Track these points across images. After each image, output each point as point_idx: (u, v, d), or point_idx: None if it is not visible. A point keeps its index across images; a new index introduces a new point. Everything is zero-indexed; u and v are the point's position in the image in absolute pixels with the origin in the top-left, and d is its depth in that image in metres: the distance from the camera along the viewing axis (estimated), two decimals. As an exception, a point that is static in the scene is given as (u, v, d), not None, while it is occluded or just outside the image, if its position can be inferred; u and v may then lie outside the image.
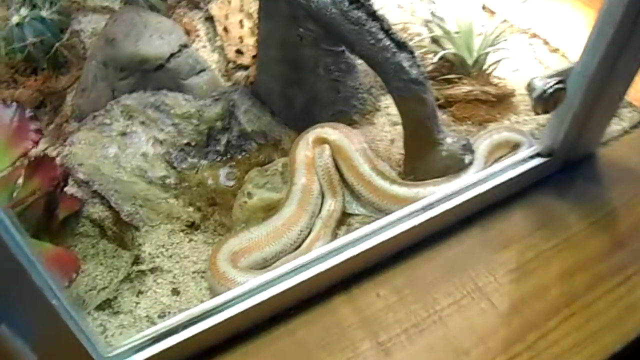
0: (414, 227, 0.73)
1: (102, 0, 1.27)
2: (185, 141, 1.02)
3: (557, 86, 0.68)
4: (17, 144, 0.74)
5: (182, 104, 1.05)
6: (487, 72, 0.99)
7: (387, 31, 0.71)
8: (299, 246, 0.81)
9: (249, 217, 0.87)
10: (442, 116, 0.97)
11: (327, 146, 0.88)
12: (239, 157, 1.05)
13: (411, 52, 0.73)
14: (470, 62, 0.96)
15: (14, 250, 0.41)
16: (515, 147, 0.88)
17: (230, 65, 1.17)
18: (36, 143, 0.75)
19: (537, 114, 0.70)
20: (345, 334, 0.67)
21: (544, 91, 0.68)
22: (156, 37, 1.06)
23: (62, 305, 0.48)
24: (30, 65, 1.12)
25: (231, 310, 0.65)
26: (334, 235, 0.84)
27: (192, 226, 0.91)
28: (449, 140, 0.82)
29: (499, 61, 0.97)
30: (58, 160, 0.98)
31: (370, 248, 0.71)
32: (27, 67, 1.12)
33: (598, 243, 0.75)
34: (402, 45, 0.72)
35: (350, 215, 0.88)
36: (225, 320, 0.64)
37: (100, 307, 0.75)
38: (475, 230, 0.77)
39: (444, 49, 0.96)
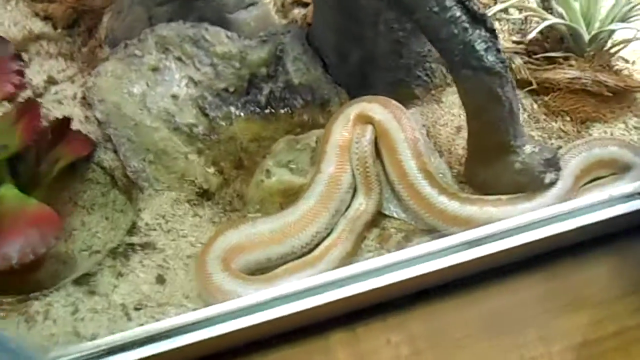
0: (452, 266, 0.55)
1: None
2: (222, 85, 0.88)
3: None
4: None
5: (224, 42, 0.89)
6: (609, 53, 0.73)
7: (460, -5, 0.50)
8: (313, 249, 0.67)
9: (264, 199, 0.74)
10: (533, 106, 0.74)
11: (370, 128, 0.70)
12: (281, 112, 0.89)
13: (490, 30, 0.51)
14: (586, 37, 0.71)
15: None
16: (622, 169, 0.64)
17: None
18: (18, 87, 0.64)
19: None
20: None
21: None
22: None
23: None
24: (66, -23, 1.00)
25: (200, 333, 0.53)
26: (360, 241, 0.68)
27: (204, 195, 0.79)
28: (527, 149, 0.61)
29: (628, 41, 0.71)
30: (80, 93, 0.90)
31: (389, 284, 0.55)
32: (62, -22, 1.00)
33: None
34: (478, 19, 0.51)
35: (386, 216, 0.71)
36: (192, 344, 0.53)
37: (78, 282, 0.66)
38: (535, 278, 0.58)
39: (555, 15, 0.71)
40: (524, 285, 0.58)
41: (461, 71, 0.54)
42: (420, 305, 0.58)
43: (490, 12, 0.72)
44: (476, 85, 0.54)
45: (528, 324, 0.56)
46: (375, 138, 0.70)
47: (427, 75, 0.77)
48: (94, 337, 0.61)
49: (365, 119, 0.71)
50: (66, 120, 0.77)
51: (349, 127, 0.71)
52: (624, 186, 0.58)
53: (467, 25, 0.51)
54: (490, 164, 0.64)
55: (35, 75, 0.89)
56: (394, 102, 0.71)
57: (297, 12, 0.98)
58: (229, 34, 0.89)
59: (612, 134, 0.72)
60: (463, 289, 0.58)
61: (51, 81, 0.91)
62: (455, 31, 0.51)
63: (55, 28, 0.98)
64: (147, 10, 0.92)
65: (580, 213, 0.58)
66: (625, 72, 0.74)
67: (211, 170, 0.82)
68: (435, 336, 0.56)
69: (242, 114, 0.88)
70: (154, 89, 0.86)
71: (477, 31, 0.51)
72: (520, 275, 0.59)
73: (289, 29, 0.89)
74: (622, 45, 0.71)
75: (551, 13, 0.75)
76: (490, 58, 0.52)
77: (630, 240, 0.60)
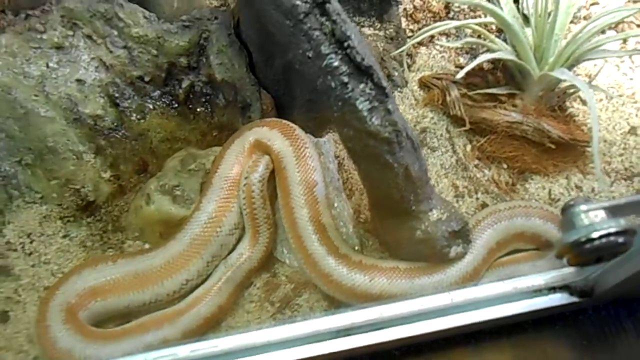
0: (322, 355, 0.46)
1: None
2: (137, 73, 0.77)
3: (615, 239, 0.34)
4: None
5: (140, 23, 0.77)
6: (560, 95, 0.61)
7: (340, 41, 0.38)
8: (183, 298, 0.58)
9: (144, 228, 0.64)
10: (466, 147, 0.63)
11: (264, 161, 0.60)
12: (200, 109, 0.79)
13: (378, 86, 0.40)
14: (536, 74, 0.59)
15: None
16: (543, 245, 0.54)
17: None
18: None
19: (565, 262, 0.38)
20: None
21: (590, 240, 0.35)
22: None
23: None
24: None
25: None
26: (241, 291, 0.59)
27: (86, 208, 0.69)
28: (434, 215, 0.51)
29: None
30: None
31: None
32: None
33: None
34: (362, 71, 0.39)
35: (278, 260, 0.62)
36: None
37: None
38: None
39: (508, 45, 0.59)
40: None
41: (342, 129, 0.43)
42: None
43: (433, 30, 0.60)
44: (361, 148, 0.44)
45: None
46: (273, 171, 0.60)
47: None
48: None
49: (263, 148, 0.61)
50: None
51: (243, 157, 0.60)
52: (535, 278, 0.48)
53: (346, 78, 0.39)
54: (390, 227, 0.54)
55: None
56: (298, 130, 0.60)
57: (227, -5, 0.85)
58: (147, 14, 0.77)
59: (550, 192, 0.61)
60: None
61: None
62: (333, 84, 0.40)
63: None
64: (55, -24, 0.80)
65: (482, 305, 0.48)
66: (580, 117, 0.63)
67: (107, 175, 0.72)
68: None
69: (157, 107, 0.78)
70: (55, 71, 0.75)
71: (361, 86, 0.40)
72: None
73: (216, 15, 0.77)
74: (574, 90, 0.60)
75: (503, 37, 0.62)
76: (374, 121, 0.41)
77: (533, 335, 0.51)
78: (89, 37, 0.76)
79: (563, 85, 0.62)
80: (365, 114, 0.40)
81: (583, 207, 0.35)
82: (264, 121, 0.63)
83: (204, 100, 0.78)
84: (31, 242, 0.64)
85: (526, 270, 0.53)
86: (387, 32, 0.69)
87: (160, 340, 0.53)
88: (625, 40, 0.66)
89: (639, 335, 0.51)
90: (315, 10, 0.37)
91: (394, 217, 0.52)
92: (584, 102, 0.64)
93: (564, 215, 0.36)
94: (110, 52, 0.76)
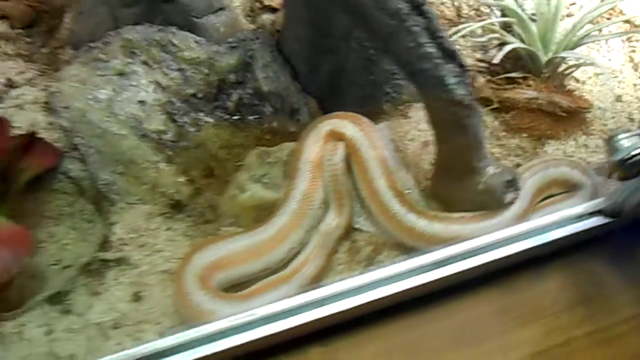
0: (420, 285, 0.59)
1: None
2: (191, 91, 0.87)
3: (650, 154, 0.49)
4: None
5: (192, 47, 0.88)
6: (563, 74, 0.78)
7: (433, 33, 0.52)
8: (287, 265, 0.69)
9: (238, 214, 0.75)
10: (494, 122, 0.79)
11: (341, 145, 0.72)
12: (250, 118, 0.90)
13: (461, 66, 0.54)
14: (543, 60, 0.75)
15: None
16: (572, 187, 0.70)
17: (257, 4, 0.98)
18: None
19: (615, 178, 0.53)
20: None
21: (632, 156, 0.50)
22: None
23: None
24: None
25: (181, 357, 0.55)
26: (332, 255, 0.71)
27: (176, 206, 0.79)
28: (490, 170, 0.65)
29: (579, 64, 0.76)
30: (42, 98, 0.87)
31: (364, 303, 0.58)
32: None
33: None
34: (450, 55, 0.54)
35: (355, 229, 0.74)
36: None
37: (51, 300, 0.66)
38: (493, 293, 0.63)
39: (516, 38, 0.75)
40: (484, 300, 0.63)
41: (431, 102, 0.57)
42: (393, 319, 0.61)
43: (455, 33, 0.75)
44: (445, 116, 0.58)
45: (488, 336, 0.61)
46: (347, 154, 0.73)
47: (395, 91, 0.80)
48: (72, 358, 0.61)
49: (337, 136, 0.74)
50: (32, 134, 0.75)
51: (320, 144, 0.73)
52: (575, 208, 0.63)
53: (439, 60, 0.53)
54: (455, 183, 0.68)
55: (-8, 77, 0.86)
56: (364, 119, 0.74)
57: (266, 17, 0.98)
58: (197, 38, 0.88)
59: (564, 152, 0.77)
60: (432, 303, 0.62)
61: (10, 84, 0.88)
62: (428, 66, 0.54)
63: (12, 27, 0.94)
64: (112, 11, 0.90)
65: (535, 233, 0.63)
66: (577, 92, 0.80)
67: (182, 179, 0.82)
68: (409, 348, 0.60)
69: (211, 120, 0.89)
70: (120, 94, 0.85)
71: (449, 66, 0.54)
72: (480, 290, 0.63)
73: (257, 36, 0.89)
74: (573, 68, 0.77)
75: (511, 33, 0.79)
76: (459, 92, 0.55)
77: (578, 256, 0.65)
78: (146, 63, 0.87)
79: (562, 68, 0.78)
80: (452, 86, 0.54)
81: (623, 135, 0.51)
82: (334, 114, 0.76)
83: (253, 109, 0.89)
84: (140, 237, 0.74)
85: (562, 207, 0.68)
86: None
87: (281, 297, 0.64)
88: (600, 30, 0.84)
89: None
90: (413, 12, 0.51)
91: (460, 175, 0.66)
92: (577, 80, 0.82)
93: (609, 144, 0.51)
94: (166, 74, 0.87)
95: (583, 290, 0.64)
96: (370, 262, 0.71)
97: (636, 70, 0.83)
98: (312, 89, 0.86)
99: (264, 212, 0.74)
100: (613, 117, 0.79)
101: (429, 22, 0.52)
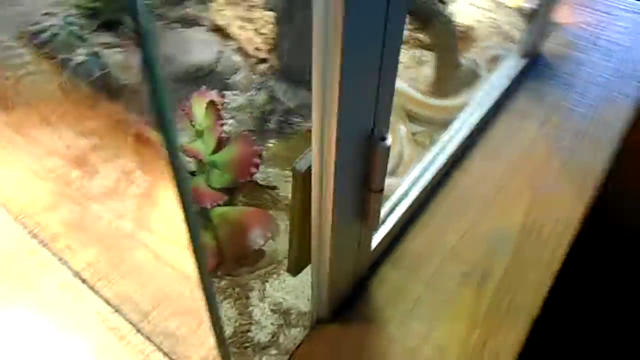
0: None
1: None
2: (247, 129, 1.25)
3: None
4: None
5: (235, 99, 1.28)
6: None
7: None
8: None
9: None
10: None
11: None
12: (291, 130, 1.30)
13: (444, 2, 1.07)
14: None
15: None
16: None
17: (253, 60, 1.41)
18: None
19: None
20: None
21: None
22: (202, 47, 1.28)
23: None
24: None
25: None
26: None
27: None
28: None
29: None
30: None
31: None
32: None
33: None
34: (441, -1, 1.06)
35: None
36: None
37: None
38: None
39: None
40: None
41: (431, 25, 1.08)
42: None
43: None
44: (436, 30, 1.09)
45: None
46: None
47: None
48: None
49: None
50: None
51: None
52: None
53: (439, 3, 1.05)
54: (450, 77, 1.19)
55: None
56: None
57: (263, 66, 1.41)
58: (234, 92, 1.28)
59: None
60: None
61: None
62: (435, 8, 1.05)
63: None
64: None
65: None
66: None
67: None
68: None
69: (265, 139, 1.27)
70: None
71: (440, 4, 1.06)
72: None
73: (268, 77, 1.33)
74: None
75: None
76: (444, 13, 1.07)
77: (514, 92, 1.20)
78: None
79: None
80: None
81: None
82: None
83: (289, 124, 1.30)
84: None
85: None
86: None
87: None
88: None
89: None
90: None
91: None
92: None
93: None
94: (224, 124, 1.24)
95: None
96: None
97: None
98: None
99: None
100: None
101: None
